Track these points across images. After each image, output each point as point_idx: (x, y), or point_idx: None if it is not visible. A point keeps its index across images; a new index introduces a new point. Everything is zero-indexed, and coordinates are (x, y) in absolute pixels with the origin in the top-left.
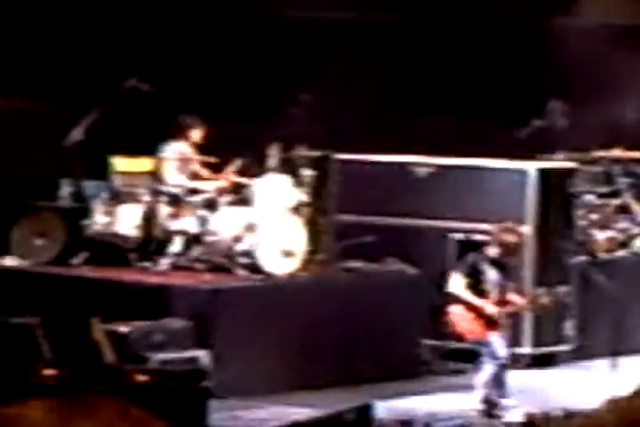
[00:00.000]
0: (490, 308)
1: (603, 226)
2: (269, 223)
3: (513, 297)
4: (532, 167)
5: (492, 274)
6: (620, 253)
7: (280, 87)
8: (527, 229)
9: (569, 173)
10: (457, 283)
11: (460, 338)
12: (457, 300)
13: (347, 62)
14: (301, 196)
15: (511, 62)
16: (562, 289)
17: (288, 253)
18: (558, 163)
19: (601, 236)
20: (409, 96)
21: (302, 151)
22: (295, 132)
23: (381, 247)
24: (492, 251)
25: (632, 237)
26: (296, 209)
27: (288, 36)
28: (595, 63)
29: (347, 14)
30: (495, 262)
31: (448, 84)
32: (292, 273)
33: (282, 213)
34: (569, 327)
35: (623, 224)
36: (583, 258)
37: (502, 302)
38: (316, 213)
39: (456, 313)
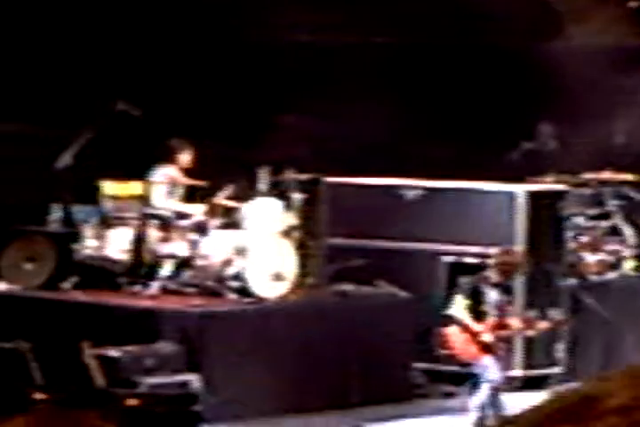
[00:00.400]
0: (486, 336)
1: (593, 248)
2: (259, 247)
3: (511, 321)
4: (521, 190)
5: (492, 296)
6: (611, 275)
7: (269, 110)
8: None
9: (559, 195)
10: (459, 306)
11: (453, 360)
12: (453, 321)
13: (336, 85)
14: (291, 219)
15: (501, 85)
16: (557, 313)
17: (278, 277)
18: (548, 185)
19: (591, 258)
20: (398, 119)
21: (292, 175)
22: (285, 156)
23: (371, 270)
24: (493, 274)
25: (622, 259)
26: (286, 232)
27: (279, 59)
28: (584, 85)
29: (336, 37)
30: (497, 285)
31: (437, 107)
32: (282, 296)
33: (272, 236)
34: (560, 350)
35: (613, 246)
36: (573, 280)
37: (500, 326)
38: (305, 237)
39: (452, 334)
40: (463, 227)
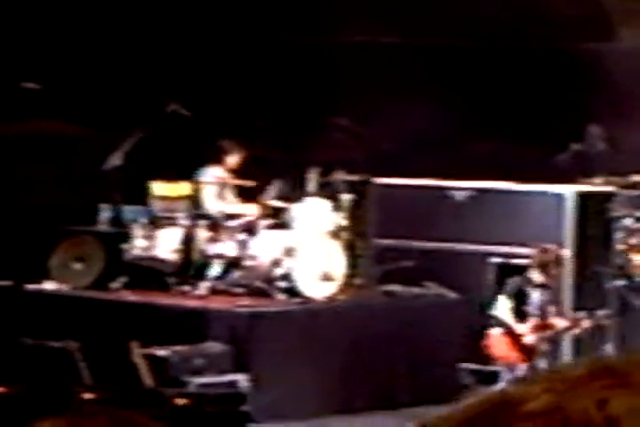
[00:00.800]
0: (529, 338)
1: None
2: (308, 247)
3: (555, 321)
4: (570, 191)
5: (535, 297)
6: None
7: (319, 112)
8: (566, 253)
9: (607, 196)
10: (503, 306)
11: (495, 362)
12: (498, 323)
13: (386, 87)
14: (340, 220)
15: (550, 86)
16: (601, 312)
17: (327, 277)
18: (597, 187)
19: (639, 260)
20: (447, 120)
21: (341, 175)
22: (334, 157)
23: (420, 272)
24: (535, 274)
25: None
26: (335, 233)
27: (328, 60)
28: (634, 87)
29: (387, 39)
30: (540, 286)
31: (487, 108)
32: (331, 297)
33: (321, 237)
34: (608, 351)
35: None
36: (621, 282)
37: (543, 326)
38: (354, 238)
39: (495, 337)
40: (512, 228)
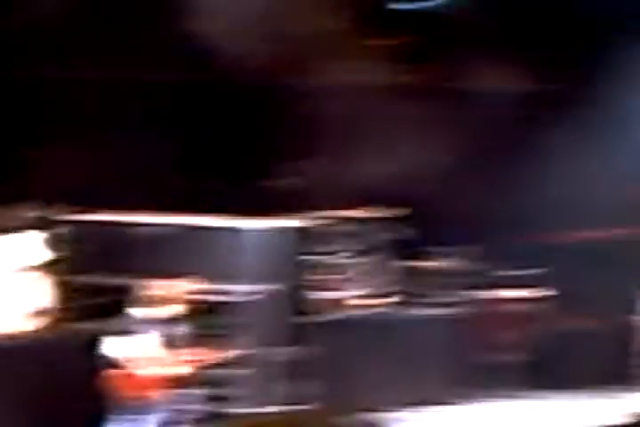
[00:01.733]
0: (141, 371)
1: (330, 286)
2: (10, 282)
3: (165, 356)
4: (263, 226)
5: (148, 333)
6: (351, 312)
7: (25, 145)
8: (259, 289)
9: (303, 232)
10: (112, 344)
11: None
12: (109, 363)
13: (90, 120)
14: (48, 254)
15: (253, 122)
16: (283, 349)
17: (30, 313)
18: (293, 222)
19: (327, 295)
20: (150, 155)
21: (52, 210)
22: (46, 191)
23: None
24: (153, 308)
25: (360, 296)
26: (42, 267)
27: (30, 94)
28: (333, 123)
29: (83, 73)
30: (163, 320)
31: (185, 143)
32: (32, 332)
33: (25, 271)
34: (281, 387)
35: (355, 284)
36: (313, 317)
37: (153, 362)
38: (61, 272)
39: (109, 376)
40: (198, 263)
